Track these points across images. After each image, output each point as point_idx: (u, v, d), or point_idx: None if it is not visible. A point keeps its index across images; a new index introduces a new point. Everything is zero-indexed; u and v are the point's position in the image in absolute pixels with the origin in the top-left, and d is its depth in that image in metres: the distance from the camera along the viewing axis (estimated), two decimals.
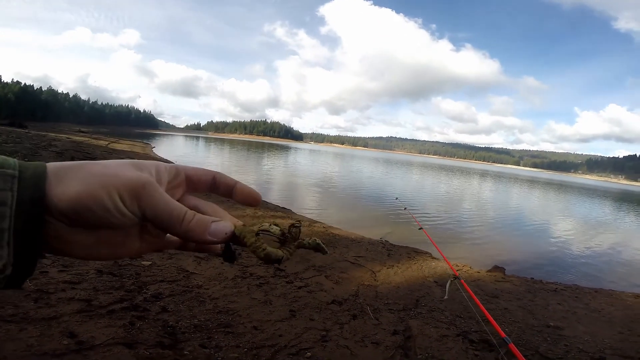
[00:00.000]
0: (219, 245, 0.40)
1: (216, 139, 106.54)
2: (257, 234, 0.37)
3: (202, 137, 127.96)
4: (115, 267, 3.05)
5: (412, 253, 5.86)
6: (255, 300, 2.96)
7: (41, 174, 0.31)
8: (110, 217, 0.32)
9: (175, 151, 32.08)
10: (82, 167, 0.32)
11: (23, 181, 0.30)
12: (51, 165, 0.32)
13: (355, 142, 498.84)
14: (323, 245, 0.41)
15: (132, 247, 0.37)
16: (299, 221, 0.41)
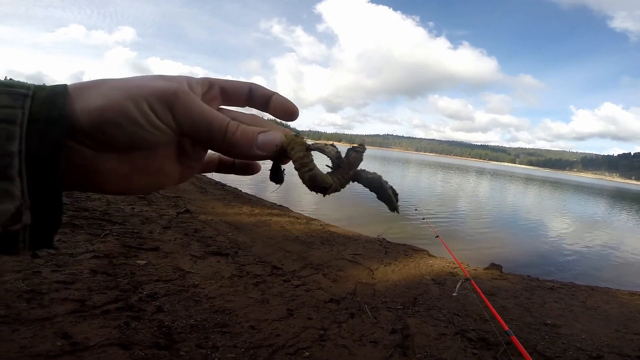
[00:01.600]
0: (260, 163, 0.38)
1: None
2: (308, 149, 0.32)
3: None
4: (109, 267, 3.01)
5: (410, 251, 5.85)
6: (252, 300, 2.93)
7: (60, 92, 0.26)
8: (141, 131, 0.27)
9: None
10: (104, 82, 0.28)
11: (38, 100, 0.25)
12: (71, 85, 0.27)
13: (352, 139, 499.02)
14: (391, 193, 0.35)
15: (171, 174, 0.33)
16: (361, 144, 0.36)
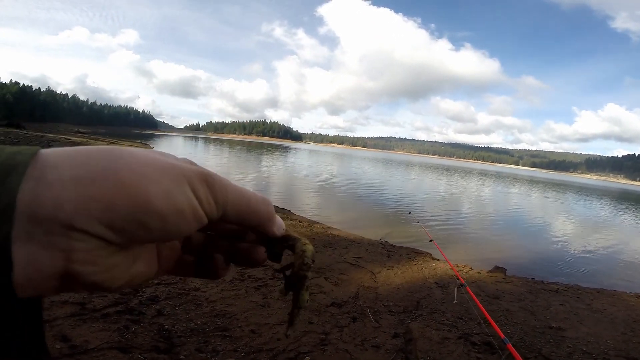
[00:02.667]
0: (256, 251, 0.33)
1: (215, 140, 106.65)
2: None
3: (201, 137, 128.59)
4: None
5: (412, 254, 5.81)
6: (253, 303, 2.91)
7: (20, 161, 0.18)
8: (184, 224, 0.22)
9: (175, 152, 31.98)
10: (106, 152, 0.21)
11: None
12: (47, 151, 0.20)
13: (354, 142, 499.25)
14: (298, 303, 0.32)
15: (153, 265, 0.27)
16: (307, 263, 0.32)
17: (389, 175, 29.26)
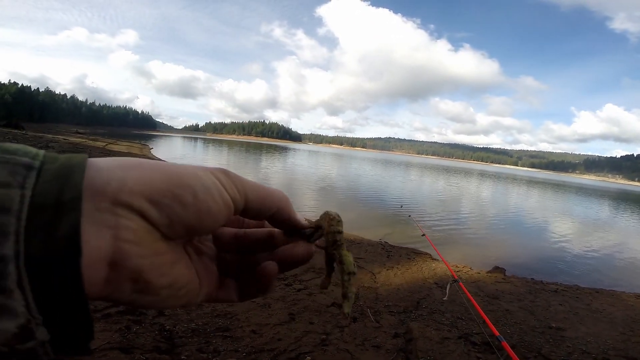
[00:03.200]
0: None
1: (214, 140, 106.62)
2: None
3: (200, 138, 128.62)
4: None
5: (412, 254, 5.82)
6: (253, 304, 2.91)
7: (78, 162, 0.20)
8: (211, 201, 0.23)
9: (174, 152, 31.99)
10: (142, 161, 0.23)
11: (46, 174, 0.19)
12: (96, 159, 0.22)
13: (353, 142, 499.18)
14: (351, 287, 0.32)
15: (193, 275, 0.27)
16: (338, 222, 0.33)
17: (388, 176, 29.29)
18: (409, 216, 7.78)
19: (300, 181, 17.16)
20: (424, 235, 4.92)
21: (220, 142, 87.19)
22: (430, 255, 5.95)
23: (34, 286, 0.18)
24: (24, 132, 25.07)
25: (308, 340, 2.50)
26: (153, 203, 0.21)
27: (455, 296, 3.71)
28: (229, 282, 0.32)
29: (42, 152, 0.20)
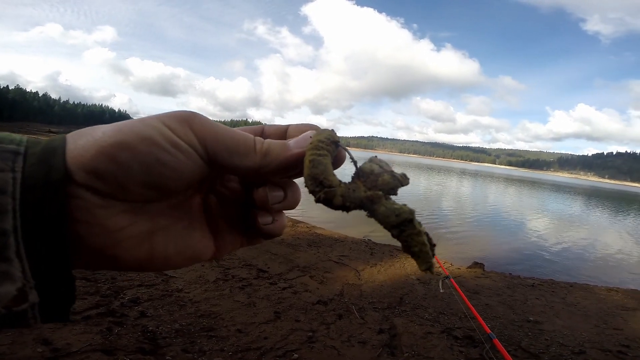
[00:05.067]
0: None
1: None
2: (334, 142, 0.27)
3: None
4: (89, 272, 2.91)
5: (395, 251, 5.90)
6: (238, 303, 2.89)
7: (58, 145, 0.21)
8: (160, 151, 0.22)
9: None
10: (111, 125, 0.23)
11: (31, 157, 0.20)
12: (71, 134, 0.22)
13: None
14: (426, 240, 0.25)
15: (202, 236, 0.27)
16: (404, 175, 0.27)
17: None
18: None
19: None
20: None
21: None
22: None
23: (28, 255, 0.20)
24: None
25: (294, 338, 2.50)
26: (92, 173, 0.21)
27: (437, 292, 3.79)
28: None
29: (25, 137, 0.21)
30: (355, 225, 8.13)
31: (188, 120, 0.23)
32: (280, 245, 5.01)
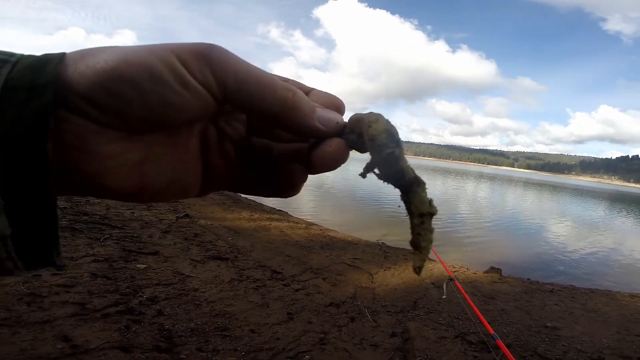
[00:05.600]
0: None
1: None
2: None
3: None
4: (109, 271, 3.01)
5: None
6: (252, 304, 2.93)
7: (54, 58, 0.19)
8: (167, 91, 0.20)
9: None
10: (120, 47, 0.20)
11: (20, 65, 0.19)
12: (72, 52, 0.20)
13: None
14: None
15: (194, 173, 0.25)
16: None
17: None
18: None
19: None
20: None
21: None
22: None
23: (2, 164, 0.17)
24: None
25: (306, 339, 2.52)
26: (88, 101, 0.19)
27: (452, 296, 3.75)
28: (252, 173, 0.28)
29: (20, 54, 0.20)
30: (369, 228, 8.12)
31: (206, 55, 0.21)
32: (294, 247, 5.04)
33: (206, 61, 0.21)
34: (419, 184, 0.24)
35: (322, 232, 6.69)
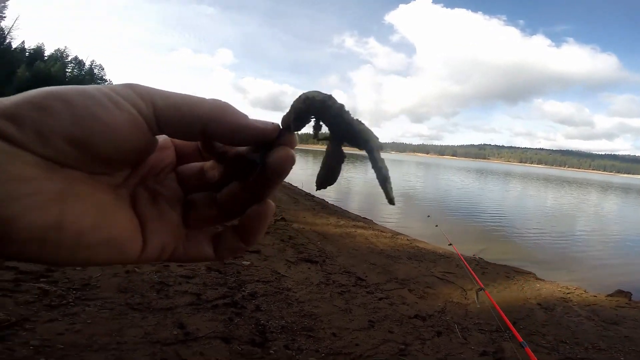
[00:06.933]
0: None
1: (300, 150, 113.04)
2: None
3: None
4: (221, 265, 3.46)
5: (512, 272, 5.34)
6: (336, 308, 3.06)
7: None
8: (96, 106, 0.19)
9: None
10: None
11: None
12: None
13: (442, 150, 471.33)
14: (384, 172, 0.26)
15: (128, 226, 0.23)
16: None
17: (484, 187, 26.98)
18: (436, 226, 7.16)
19: (381, 190, 16.83)
20: (450, 244, 4.56)
21: (306, 152, 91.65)
22: (534, 274, 5.39)
23: None
24: None
25: (386, 348, 2.53)
26: (7, 118, 0.17)
27: (560, 319, 3.33)
28: (202, 235, 0.27)
29: None
30: (463, 242, 7.61)
31: (132, 85, 0.21)
32: (379, 255, 5.05)
33: (132, 87, 0.21)
34: (363, 126, 0.25)
35: (409, 242, 6.54)
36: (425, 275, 4.50)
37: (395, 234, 7.17)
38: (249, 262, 3.72)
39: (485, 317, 3.40)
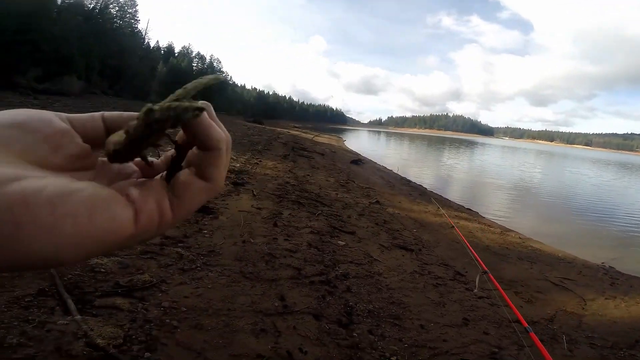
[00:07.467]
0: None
1: (396, 134, 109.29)
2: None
3: (383, 131, 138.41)
4: (319, 243, 3.74)
5: None
6: (428, 300, 3.05)
7: None
8: (39, 124, 0.23)
9: (360, 144, 34.29)
10: None
11: None
12: None
13: (571, 139, 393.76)
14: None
15: (117, 199, 0.21)
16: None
17: (629, 185, 22.22)
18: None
19: (491, 180, 15.28)
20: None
21: (401, 135, 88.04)
22: None
23: None
24: (263, 126, 32.79)
25: (476, 348, 2.45)
26: None
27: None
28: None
29: None
30: (588, 246, 6.60)
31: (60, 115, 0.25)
32: (483, 251, 4.76)
33: (59, 117, 0.25)
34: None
35: (521, 241, 5.96)
36: (538, 279, 4.12)
37: (505, 230, 6.59)
38: (344, 243, 3.93)
39: (601, 332, 3.02)
